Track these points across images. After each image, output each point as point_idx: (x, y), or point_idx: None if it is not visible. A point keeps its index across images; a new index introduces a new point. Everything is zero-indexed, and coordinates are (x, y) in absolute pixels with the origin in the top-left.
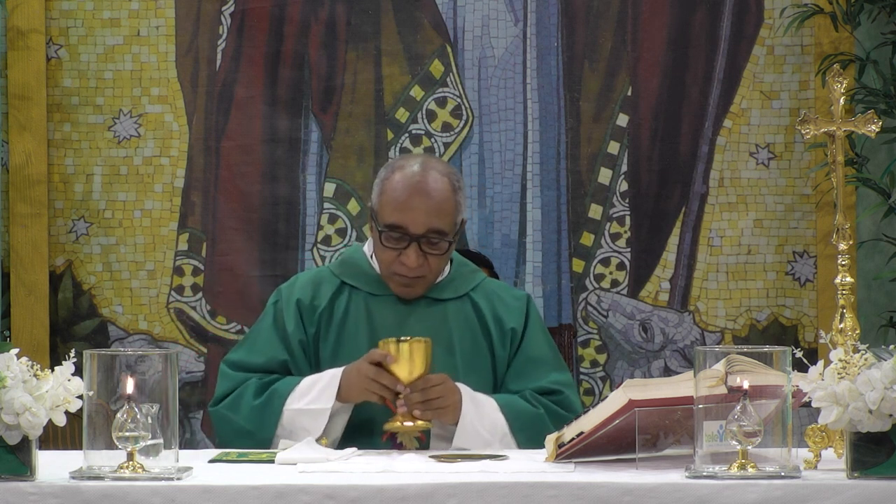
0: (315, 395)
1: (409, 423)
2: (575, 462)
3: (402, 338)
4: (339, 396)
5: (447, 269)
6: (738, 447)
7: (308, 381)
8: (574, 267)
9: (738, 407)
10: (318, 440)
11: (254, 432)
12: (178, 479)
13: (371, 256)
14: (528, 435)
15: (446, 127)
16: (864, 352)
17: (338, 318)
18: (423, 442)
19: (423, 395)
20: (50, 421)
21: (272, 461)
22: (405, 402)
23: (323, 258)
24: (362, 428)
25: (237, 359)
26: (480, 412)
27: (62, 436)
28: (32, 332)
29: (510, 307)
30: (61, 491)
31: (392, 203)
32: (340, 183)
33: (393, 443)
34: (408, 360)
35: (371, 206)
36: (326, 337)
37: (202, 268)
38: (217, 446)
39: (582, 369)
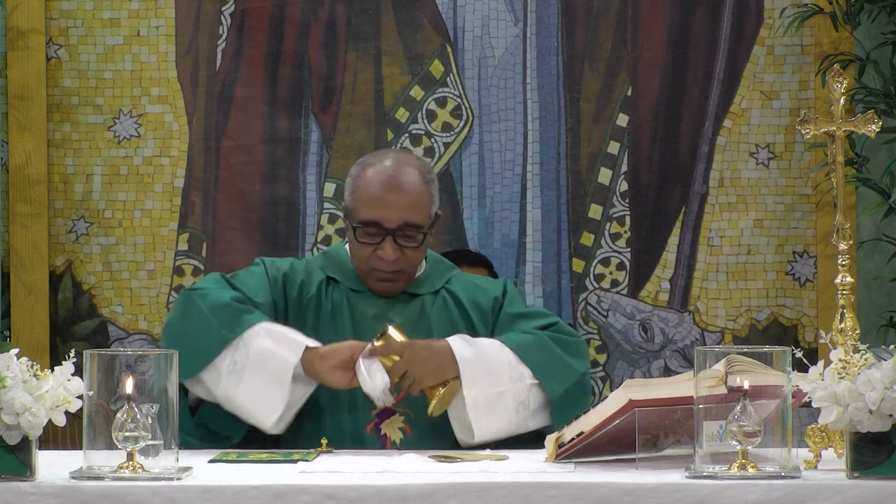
0: (285, 341)
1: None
2: (575, 462)
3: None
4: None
5: (423, 265)
6: (738, 447)
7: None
8: (574, 267)
9: (738, 407)
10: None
11: (214, 325)
12: (178, 479)
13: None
14: (539, 362)
15: (446, 127)
16: (864, 352)
17: (326, 310)
18: (407, 434)
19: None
20: (50, 421)
21: (272, 461)
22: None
23: None
24: (350, 426)
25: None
26: (478, 353)
27: (62, 436)
28: (32, 332)
29: (486, 290)
30: (61, 491)
31: (366, 199)
32: (340, 183)
33: (378, 434)
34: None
35: (344, 205)
36: (316, 327)
37: (202, 268)
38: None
39: None
